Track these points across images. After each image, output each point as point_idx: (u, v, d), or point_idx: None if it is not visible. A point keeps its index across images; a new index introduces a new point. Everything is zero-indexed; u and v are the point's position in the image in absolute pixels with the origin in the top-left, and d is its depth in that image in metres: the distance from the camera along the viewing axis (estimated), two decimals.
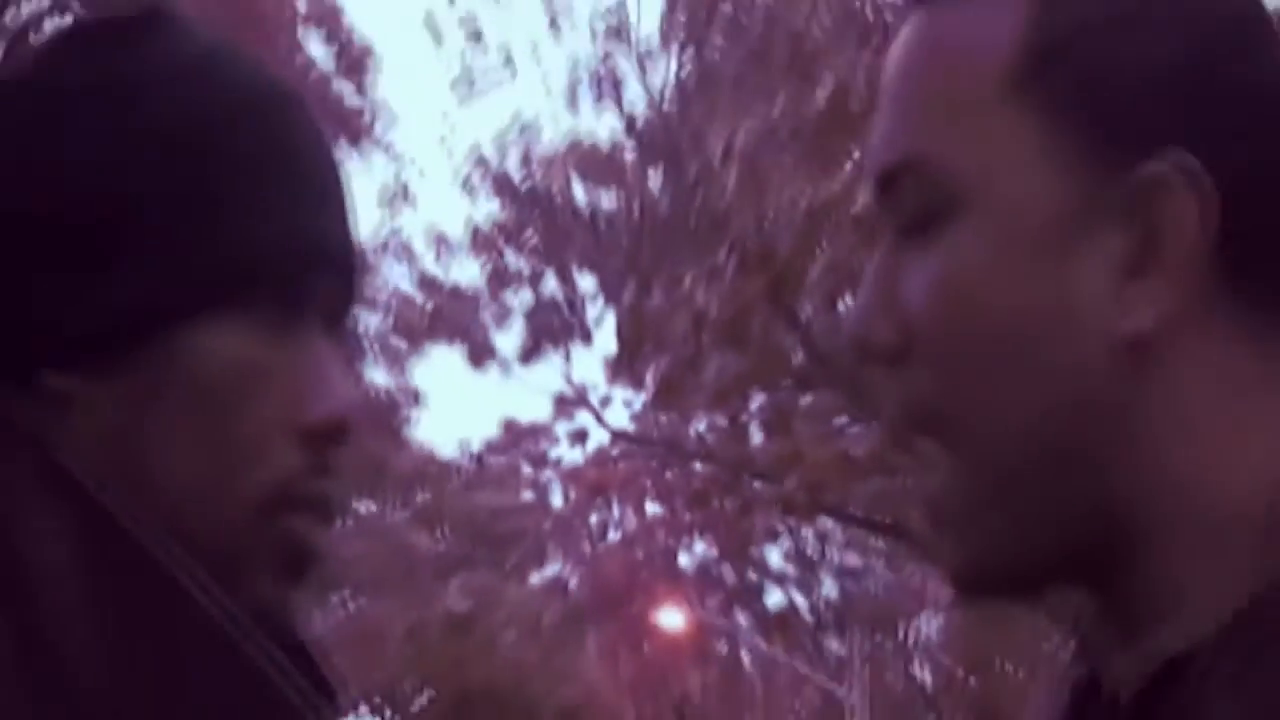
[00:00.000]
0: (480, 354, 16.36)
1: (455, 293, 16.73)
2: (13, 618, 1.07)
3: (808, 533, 20.69)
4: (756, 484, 15.37)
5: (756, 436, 16.44)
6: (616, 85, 15.52)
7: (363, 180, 29.93)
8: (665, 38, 14.37)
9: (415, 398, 21.68)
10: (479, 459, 23.76)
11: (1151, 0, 0.95)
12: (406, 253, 18.28)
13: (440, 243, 17.00)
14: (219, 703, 1.10)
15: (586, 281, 16.81)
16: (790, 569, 22.61)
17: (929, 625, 22.08)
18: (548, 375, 23.29)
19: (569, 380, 18.36)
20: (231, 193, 1.16)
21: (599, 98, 15.73)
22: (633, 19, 15.99)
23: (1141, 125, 0.93)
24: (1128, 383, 0.92)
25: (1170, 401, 0.93)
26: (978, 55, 0.97)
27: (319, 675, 1.19)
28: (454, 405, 47.47)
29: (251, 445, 1.15)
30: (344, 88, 19.44)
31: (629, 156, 15.26)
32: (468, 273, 21.97)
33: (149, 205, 1.14)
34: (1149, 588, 0.93)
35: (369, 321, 20.07)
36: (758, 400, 14.71)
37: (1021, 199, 0.94)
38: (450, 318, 16.46)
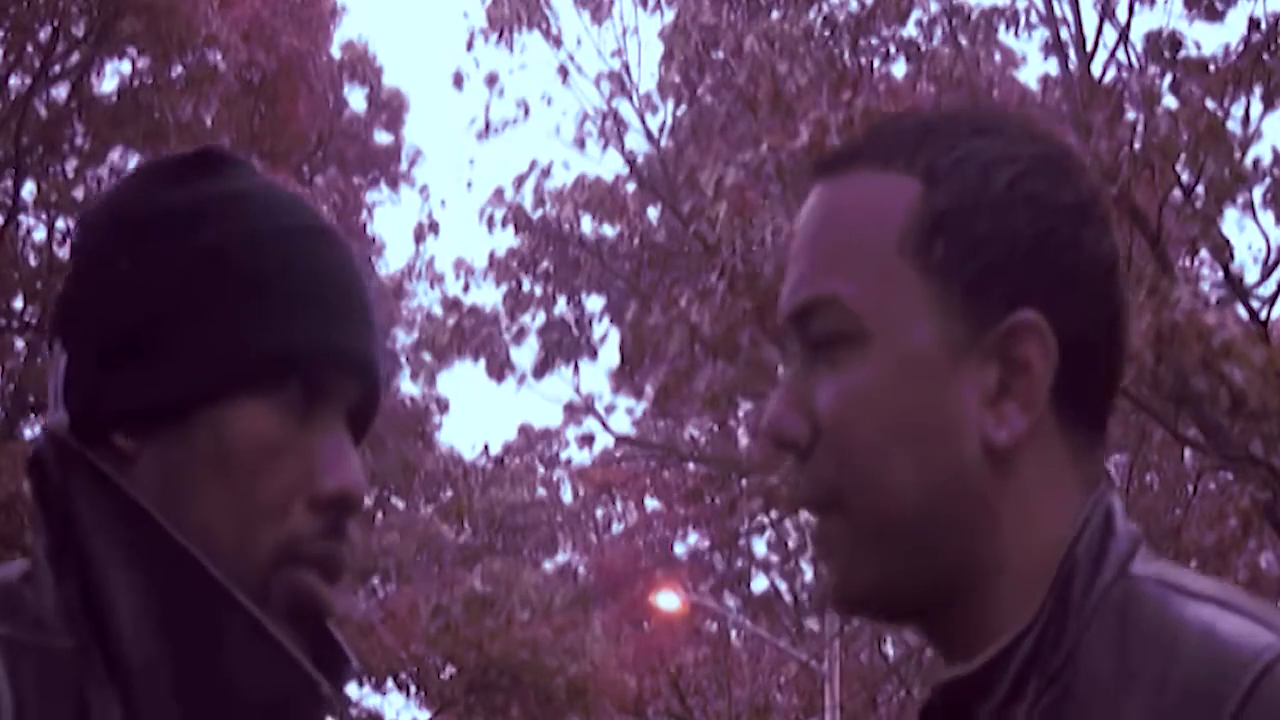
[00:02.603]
0: (499, 367, 16.22)
1: (477, 313, 16.64)
2: (92, 618, 1.18)
3: (789, 525, 20.60)
4: (743, 481, 15.29)
5: (743, 439, 16.41)
6: (619, 129, 15.46)
7: (395, 214, 29.84)
8: (662, 88, 14.30)
9: (441, 406, 21.67)
10: (498, 460, 23.71)
11: (1012, 188, 1.08)
12: (434, 278, 18.23)
13: (464, 269, 16.92)
14: (255, 680, 1.20)
15: (593, 303, 16.77)
16: (774, 557, 22.60)
17: None
18: (559, 386, 23.38)
19: (577, 390, 18.26)
20: (263, 303, 1.23)
21: (604, 141, 15.66)
22: (633, 71, 15.94)
23: (1004, 287, 1.07)
24: (988, 477, 1.08)
25: (1017, 494, 1.08)
26: (879, 219, 1.09)
27: (341, 654, 1.27)
28: (476, 413, 47.59)
29: (270, 507, 1.22)
30: (379, 131, 19.39)
31: (630, 192, 15.19)
32: (488, 296, 21.97)
33: (196, 311, 1.23)
34: (982, 620, 1.08)
35: (401, 339, 20.03)
36: (745, 407, 14.64)
37: (915, 337, 1.07)
38: (472, 335, 16.36)
